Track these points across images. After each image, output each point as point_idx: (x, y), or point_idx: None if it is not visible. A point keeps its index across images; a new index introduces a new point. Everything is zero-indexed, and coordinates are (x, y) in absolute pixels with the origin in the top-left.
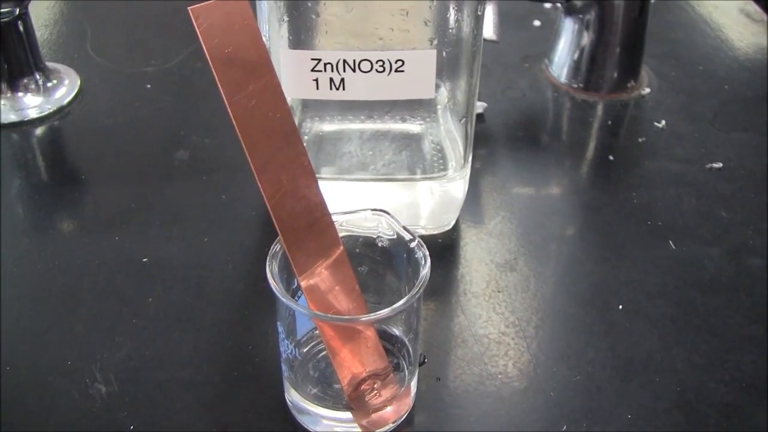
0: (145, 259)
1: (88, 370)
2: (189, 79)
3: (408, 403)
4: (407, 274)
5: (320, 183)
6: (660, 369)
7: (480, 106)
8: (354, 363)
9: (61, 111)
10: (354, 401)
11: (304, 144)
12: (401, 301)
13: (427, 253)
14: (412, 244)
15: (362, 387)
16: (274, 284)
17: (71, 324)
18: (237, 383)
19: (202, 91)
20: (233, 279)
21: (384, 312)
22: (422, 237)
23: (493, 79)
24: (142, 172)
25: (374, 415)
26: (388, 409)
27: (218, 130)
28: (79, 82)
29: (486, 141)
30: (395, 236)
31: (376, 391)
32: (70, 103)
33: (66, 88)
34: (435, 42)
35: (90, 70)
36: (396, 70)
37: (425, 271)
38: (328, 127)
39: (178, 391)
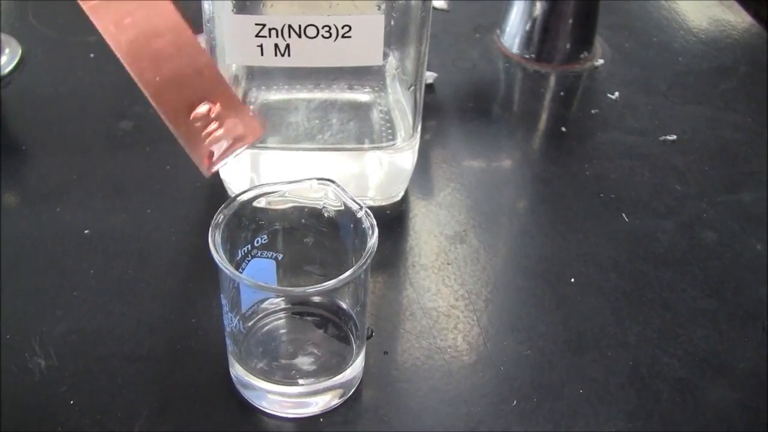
0: (86, 231)
1: (28, 344)
2: None
3: (257, 130)
4: (354, 245)
5: (267, 153)
6: (612, 343)
7: (430, 77)
8: (182, 89)
9: (1, 80)
10: (186, 132)
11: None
12: (347, 272)
13: (375, 223)
14: (359, 214)
15: (194, 115)
16: (217, 255)
17: (10, 297)
18: (180, 357)
19: None
20: (177, 251)
21: (330, 283)
22: (370, 208)
23: (443, 49)
24: (84, 142)
25: (212, 146)
26: (227, 139)
27: None
28: (20, 51)
29: (436, 112)
30: (342, 206)
31: (213, 120)
32: (11, 72)
33: (7, 57)
34: (383, 7)
35: (32, 39)
36: (343, 36)
37: (372, 241)
38: (275, 96)
39: (119, 366)
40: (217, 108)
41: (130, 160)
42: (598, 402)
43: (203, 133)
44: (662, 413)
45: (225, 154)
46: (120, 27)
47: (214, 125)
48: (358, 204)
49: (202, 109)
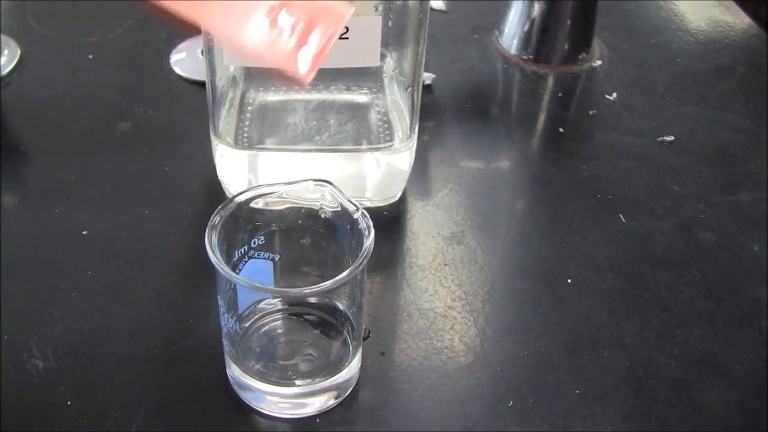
0: (84, 232)
1: (25, 345)
2: (132, 50)
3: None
4: (351, 245)
5: (265, 154)
6: (609, 344)
7: (428, 78)
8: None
9: (0, 81)
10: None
11: (248, 114)
12: (344, 273)
13: (371, 224)
14: (356, 215)
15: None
16: (214, 257)
17: (8, 297)
18: (177, 358)
19: (145, 62)
20: (174, 252)
21: (326, 284)
22: (368, 209)
23: (442, 51)
24: (83, 143)
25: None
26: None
27: (161, 102)
28: (19, 53)
29: (434, 113)
30: (338, 207)
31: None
32: (9, 73)
33: (6, 59)
34: (380, 8)
35: (31, 40)
36: (340, 38)
37: (369, 242)
38: (273, 97)
39: (117, 366)
40: (290, 11)
41: (129, 161)
42: (594, 402)
43: (282, 42)
44: (659, 413)
45: (311, 54)
46: None
47: (295, 30)
48: (355, 205)
49: (275, 19)
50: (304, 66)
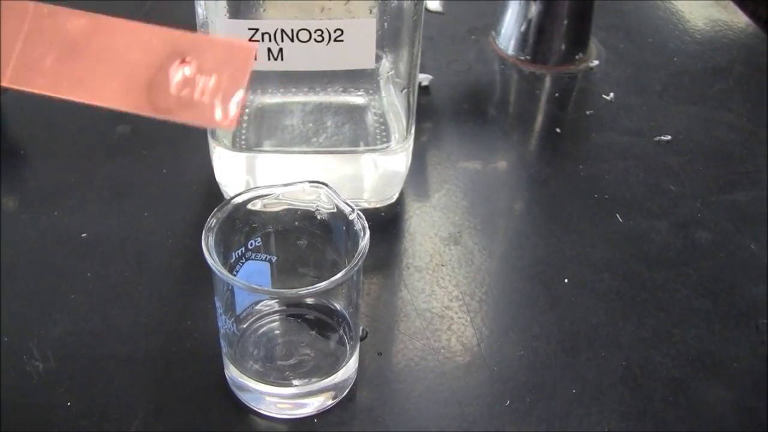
0: (84, 234)
1: (25, 347)
2: None
3: (247, 49)
4: (346, 247)
5: (263, 156)
6: (606, 343)
7: (425, 79)
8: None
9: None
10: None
11: (245, 117)
12: (340, 274)
13: (366, 224)
14: (351, 217)
15: (173, 87)
16: (210, 259)
17: (8, 300)
18: (176, 359)
19: None
20: (173, 254)
21: (322, 285)
22: (366, 211)
23: (439, 52)
24: (82, 146)
25: (213, 99)
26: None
27: None
28: None
29: (431, 114)
30: (334, 209)
31: (194, 76)
32: None
33: None
34: (374, 11)
35: None
36: (335, 40)
37: (364, 243)
38: (270, 99)
39: (116, 368)
40: (190, 63)
41: (128, 164)
42: (591, 402)
43: (195, 96)
44: (655, 413)
45: (229, 96)
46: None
47: (200, 80)
48: (350, 206)
49: (176, 76)
50: (226, 115)
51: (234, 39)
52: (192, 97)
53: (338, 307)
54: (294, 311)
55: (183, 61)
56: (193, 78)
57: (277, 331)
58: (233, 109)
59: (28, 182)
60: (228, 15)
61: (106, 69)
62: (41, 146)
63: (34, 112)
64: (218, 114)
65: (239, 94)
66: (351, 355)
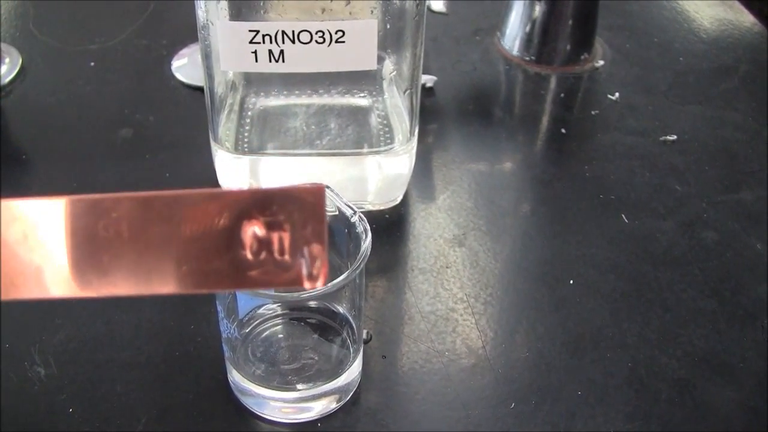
0: None
1: (27, 353)
2: (133, 57)
3: (317, 191)
4: (349, 249)
5: (265, 159)
6: (611, 345)
7: (430, 80)
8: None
9: (2, 90)
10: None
11: (248, 119)
12: (342, 277)
13: (368, 227)
14: (353, 219)
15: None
16: None
17: (10, 305)
18: (179, 364)
19: (147, 69)
20: None
21: (325, 288)
22: (370, 213)
23: (443, 53)
24: (85, 150)
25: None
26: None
27: (162, 108)
28: (20, 61)
29: (436, 115)
30: (336, 211)
31: (269, 234)
32: (11, 81)
33: (7, 67)
34: (376, 11)
35: (32, 48)
36: (336, 41)
37: (366, 245)
38: (273, 102)
39: (118, 373)
40: (259, 221)
41: (130, 168)
42: (596, 403)
43: (276, 257)
44: (661, 414)
45: (315, 251)
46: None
47: (275, 238)
48: (352, 209)
49: (248, 240)
50: (315, 276)
51: (299, 184)
52: (273, 260)
53: (341, 310)
54: (296, 315)
55: (251, 220)
56: (267, 237)
57: (279, 335)
58: (319, 264)
59: (30, 187)
60: (228, 17)
61: (169, 254)
62: (43, 151)
63: (36, 116)
64: (305, 271)
65: (320, 246)
66: (355, 358)
